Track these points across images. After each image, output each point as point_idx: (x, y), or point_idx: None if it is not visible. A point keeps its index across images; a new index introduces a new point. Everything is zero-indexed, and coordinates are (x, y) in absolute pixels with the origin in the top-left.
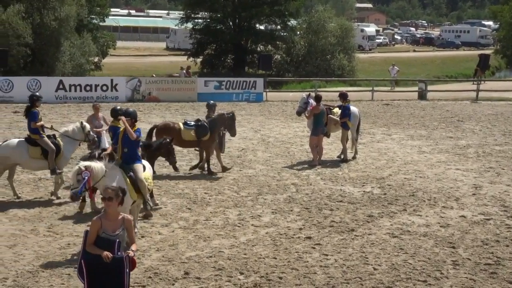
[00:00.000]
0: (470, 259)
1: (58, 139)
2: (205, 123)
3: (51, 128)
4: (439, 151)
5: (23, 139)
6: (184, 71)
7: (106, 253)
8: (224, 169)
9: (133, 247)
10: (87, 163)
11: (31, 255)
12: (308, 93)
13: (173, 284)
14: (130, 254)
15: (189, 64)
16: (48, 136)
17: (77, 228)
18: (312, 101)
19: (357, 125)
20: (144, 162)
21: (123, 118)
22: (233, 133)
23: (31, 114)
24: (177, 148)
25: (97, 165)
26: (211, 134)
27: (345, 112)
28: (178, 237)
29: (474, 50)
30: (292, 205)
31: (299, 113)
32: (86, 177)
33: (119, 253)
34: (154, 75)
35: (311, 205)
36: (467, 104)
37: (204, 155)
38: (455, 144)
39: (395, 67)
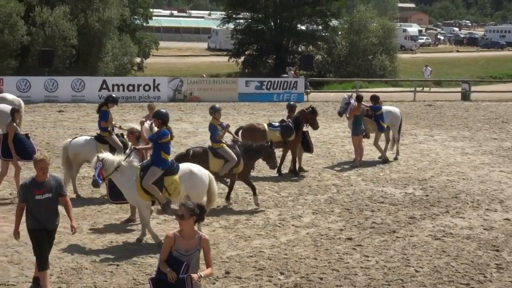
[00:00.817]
0: None
1: (126, 138)
2: (290, 123)
3: (120, 127)
4: (482, 152)
5: (93, 137)
6: (292, 72)
7: (171, 274)
8: (301, 169)
9: (207, 271)
10: (102, 155)
11: (74, 252)
12: (349, 93)
13: (213, 283)
14: (194, 277)
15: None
16: (117, 135)
17: (120, 226)
18: (353, 101)
19: (399, 126)
20: (186, 167)
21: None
22: (315, 127)
23: (102, 113)
24: None
25: (110, 158)
26: (296, 133)
27: (376, 114)
28: (219, 236)
29: None
30: (333, 205)
31: (340, 114)
32: (98, 167)
33: (185, 275)
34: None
35: (352, 206)
36: (511, 105)
37: (286, 155)
38: (499, 146)
39: (428, 67)
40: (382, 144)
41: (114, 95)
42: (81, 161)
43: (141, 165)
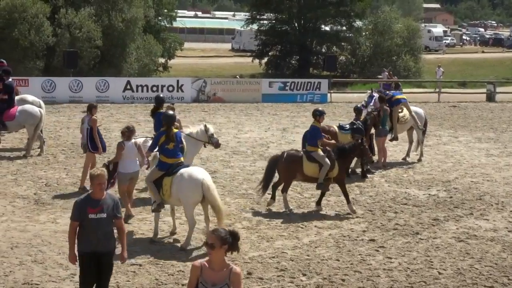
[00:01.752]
0: None
1: (183, 140)
2: (360, 125)
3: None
4: (507, 154)
5: (149, 138)
6: (386, 73)
7: None
8: (368, 171)
9: None
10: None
11: None
12: (373, 88)
13: None
14: None
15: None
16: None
17: (142, 226)
18: (376, 95)
19: (424, 127)
20: (183, 170)
21: None
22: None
23: (160, 116)
24: None
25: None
26: (365, 136)
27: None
28: (241, 237)
29: None
30: (355, 207)
31: (364, 107)
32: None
33: None
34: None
35: (375, 207)
36: None
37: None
38: None
39: (441, 68)
40: (406, 144)
41: (161, 95)
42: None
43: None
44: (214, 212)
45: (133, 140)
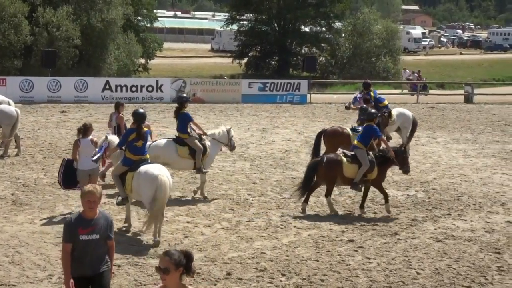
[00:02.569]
0: None
1: (205, 140)
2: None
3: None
4: (485, 155)
5: (171, 139)
6: (409, 72)
7: None
8: None
9: None
10: (110, 136)
11: None
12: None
13: (215, 285)
14: None
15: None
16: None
17: (121, 227)
18: (359, 95)
19: (411, 129)
20: (142, 166)
21: None
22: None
23: (185, 116)
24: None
25: (115, 141)
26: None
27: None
28: (220, 237)
29: None
30: (335, 207)
31: (347, 108)
32: (104, 146)
33: None
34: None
35: (354, 208)
36: None
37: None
38: (501, 149)
39: (407, 70)
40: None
41: (184, 94)
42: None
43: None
44: (153, 209)
45: (90, 137)
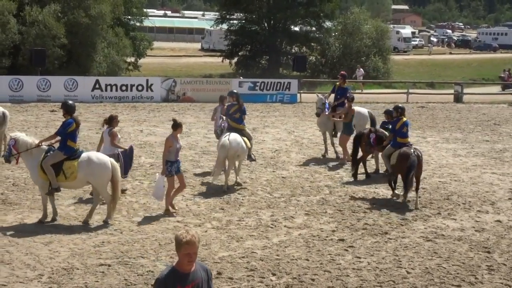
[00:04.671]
0: (506, 264)
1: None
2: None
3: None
4: (474, 154)
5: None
6: (507, 72)
7: None
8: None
9: None
10: (16, 134)
11: (66, 253)
12: (325, 94)
13: None
14: None
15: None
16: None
17: (111, 227)
18: (328, 102)
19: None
20: (86, 154)
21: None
22: None
23: (243, 110)
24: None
25: (24, 139)
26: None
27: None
28: (211, 237)
29: (511, 53)
30: (325, 207)
31: (318, 115)
32: (11, 144)
33: None
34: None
35: (344, 207)
36: (503, 108)
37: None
38: (491, 148)
39: (361, 69)
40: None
41: (234, 90)
42: (236, 158)
43: (47, 148)
44: (112, 191)
45: (113, 128)
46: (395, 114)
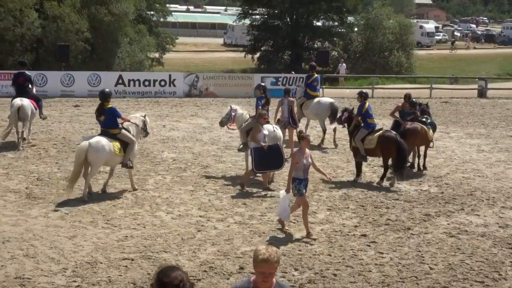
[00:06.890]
0: None
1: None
2: (432, 120)
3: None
4: (498, 150)
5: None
6: None
7: None
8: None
9: None
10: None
11: (89, 247)
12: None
13: (228, 279)
14: None
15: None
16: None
17: (134, 221)
18: (234, 114)
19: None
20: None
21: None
22: None
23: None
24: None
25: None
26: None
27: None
28: (233, 232)
29: None
30: (347, 202)
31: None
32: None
33: None
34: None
35: (366, 202)
36: None
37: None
38: None
39: (344, 64)
40: None
41: (262, 83)
42: None
43: None
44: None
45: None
46: (360, 100)
